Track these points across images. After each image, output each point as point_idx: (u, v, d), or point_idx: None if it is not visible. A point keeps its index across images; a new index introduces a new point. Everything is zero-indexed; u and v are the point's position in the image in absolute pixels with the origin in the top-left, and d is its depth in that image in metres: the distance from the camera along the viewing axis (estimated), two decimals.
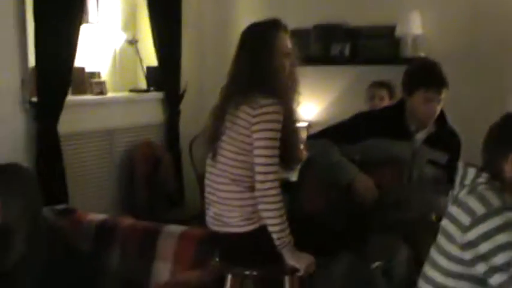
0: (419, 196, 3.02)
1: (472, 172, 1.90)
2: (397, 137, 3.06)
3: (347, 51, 4.79)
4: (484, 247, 1.72)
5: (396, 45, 4.64)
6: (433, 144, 3.08)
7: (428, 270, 1.95)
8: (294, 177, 3.48)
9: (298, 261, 2.59)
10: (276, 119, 2.54)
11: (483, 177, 1.87)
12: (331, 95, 4.99)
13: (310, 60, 4.82)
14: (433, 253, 1.93)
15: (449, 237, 1.84)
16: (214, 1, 5.48)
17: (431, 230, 2.94)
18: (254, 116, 2.54)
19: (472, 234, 1.75)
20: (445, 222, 1.90)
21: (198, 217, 4.58)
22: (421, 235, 2.96)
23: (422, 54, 4.52)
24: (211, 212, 2.74)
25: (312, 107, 4.95)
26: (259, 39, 2.67)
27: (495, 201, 1.77)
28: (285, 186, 2.70)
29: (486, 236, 1.72)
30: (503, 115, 1.99)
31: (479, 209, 1.76)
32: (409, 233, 2.98)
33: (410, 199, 3.03)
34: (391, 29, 4.59)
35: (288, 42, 2.72)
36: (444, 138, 3.12)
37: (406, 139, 3.07)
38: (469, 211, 1.78)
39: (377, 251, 2.79)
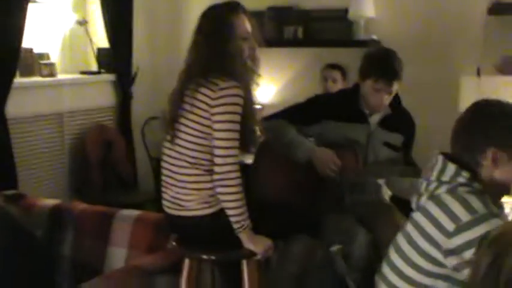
0: (374, 179, 3.04)
1: (451, 169, 1.81)
2: (352, 119, 3.08)
3: (300, 34, 4.79)
4: (469, 253, 1.65)
5: (349, 28, 4.66)
6: (388, 127, 3.11)
7: (395, 258, 1.89)
8: (249, 159, 3.48)
9: (256, 245, 2.59)
10: (236, 101, 2.52)
11: (463, 177, 1.79)
12: (285, 77, 4.99)
13: (264, 42, 4.82)
14: (402, 243, 1.87)
15: (427, 236, 1.77)
16: None
17: (387, 212, 3.02)
18: (214, 99, 2.52)
19: (456, 241, 1.69)
20: (419, 218, 1.82)
21: (152, 201, 4.56)
22: (377, 217, 3.00)
23: (374, 37, 4.56)
24: (168, 195, 2.71)
25: (266, 89, 4.94)
26: (217, 22, 2.64)
27: (479, 207, 1.71)
28: (241, 169, 2.69)
29: (471, 244, 1.65)
30: (474, 104, 1.89)
31: (463, 215, 1.70)
32: (365, 215, 3.01)
33: (366, 181, 3.06)
34: (344, 12, 4.61)
35: (247, 25, 2.70)
36: (399, 120, 3.15)
37: (361, 122, 3.09)
38: (452, 216, 1.72)
39: (334, 233, 2.80)
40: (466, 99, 4.16)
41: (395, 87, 3.01)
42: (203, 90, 2.56)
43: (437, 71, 4.50)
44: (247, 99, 2.60)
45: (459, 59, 4.41)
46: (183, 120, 2.62)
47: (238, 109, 2.53)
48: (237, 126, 2.54)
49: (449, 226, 1.72)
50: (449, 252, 1.72)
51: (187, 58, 2.70)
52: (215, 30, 2.63)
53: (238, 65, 2.62)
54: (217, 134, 2.53)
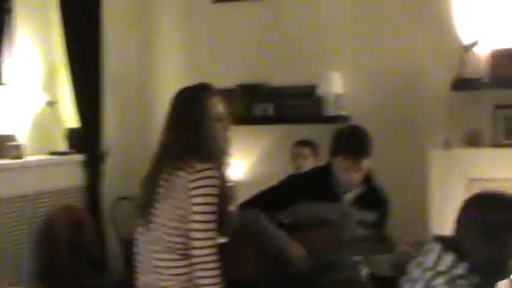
0: (349, 257, 3.03)
1: (448, 259, 1.79)
2: (326, 199, 3.07)
3: (270, 111, 4.84)
4: None
5: (318, 104, 4.73)
6: (362, 205, 3.10)
7: None
8: (222, 239, 3.44)
9: None
10: (212, 183, 2.51)
11: (461, 269, 1.77)
12: (256, 154, 5.01)
13: (234, 119, 4.86)
14: None
15: None
16: (136, 62, 5.44)
17: None
18: (191, 181, 2.51)
19: None
20: None
21: (123, 283, 4.45)
22: None
23: (344, 113, 4.63)
24: (141, 282, 2.65)
25: (236, 166, 4.94)
26: (192, 104, 2.66)
27: None
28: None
29: None
30: (482, 199, 1.88)
31: None
32: None
33: (341, 261, 3.04)
34: (313, 88, 4.69)
35: (220, 106, 2.72)
36: (372, 198, 3.14)
37: (335, 201, 3.09)
38: None
39: None
40: (435, 172, 4.23)
41: (365, 164, 3.01)
42: (180, 173, 2.55)
43: (405, 144, 4.58)
44: (223, 181, 2.60)
45: (426, 133, 4.50)
46: (158, 205, 2.59)
47: (215, 191, 2.52)
48: (214, 208, 2.52)
49: None
50: None
51: (161, 141, 2.70)
52: (190, 113, 2.64)
53: (214, 145, 2.63)
54: (195, 217, 2.50)
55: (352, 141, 3.01)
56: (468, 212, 1.86)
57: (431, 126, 4.49)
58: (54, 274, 4.51)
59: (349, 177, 3.02)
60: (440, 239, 1.86)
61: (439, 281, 1.77)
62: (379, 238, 3.14)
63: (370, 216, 3.12)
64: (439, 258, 1.80)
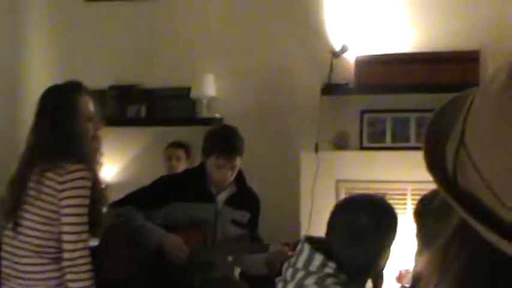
0: (223, 257, 3.06)
1: (318, 259, 1.84)
2: (200, 199, 3.10)
3: (143, 113, 4.79)
4: None
5: (192, 107, 4.74)
6: (235, 205, 3.16)
7: None
8: (94, 242, 3.37)
9: None
10: (84, 185, 2.47)
11: (330, 268, 1.82)
12: (129, 156, 4.94)
13: (107, 121, 4.76)
14: None
15: None
16: (4, 59, 5.19)
17: None
18: (61, 183, 2.45)
19: None
20: None
21: None
22: None
23: (217, 115, 4.67)
24: (8, 287, 2.54)
25: (109, 168, 4.84)
26: (61, 103, 2.60)
27: None
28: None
29: None
30: (351, 202, 1.98)
31: None
32: None
33: (214, 260, 3.07)
34: (187, 91, 4.70)
35: (90, 106, 2.67)
36: (244, 198, 3.22)
37: (208, 201, 3.11)
38: None
39: None
40: (306, 174, 4.36)
41: (238, 162, 3.08)
42: (49, 174, 2.47)
43: (278, 147, 4.67)
44: (95, 181, 2.55)
45: (298, 136, 4.61)
46: (27, 207, 2.51)
47: (87, 192, 2.48)
48: (86, 210, 2.48)
49: None
50: None
51: (28, 141, 2.61)
52: (59, 111, 2.58)
53: (85, 146, 2.57)
54: (65, 219, 2.44)
55: (225, 140, 3.08)
56: (336, 215, 1.94)
57: (302, 129, 4.61)
58: None
59: (223, 175, 3.07)
60: (311, 240, 1.93)
61: (310, 280, 1.82)
62: (251, 238, 3.21)
63: (243, 215, 3.19)
64: (309, 259, 1.86)
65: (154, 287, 2.94)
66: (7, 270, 2.56)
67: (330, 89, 4.41)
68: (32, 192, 2.51)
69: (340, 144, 4.49)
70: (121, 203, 3.16)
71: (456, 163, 0.77)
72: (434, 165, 0.91)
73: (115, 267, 3.06)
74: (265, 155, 4.65)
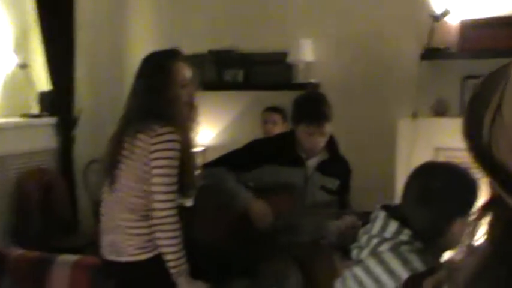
0: (310, 221, 3.09)
1: (393, 226, 1.83)
2: (290, 163, 3.13)
3: (240, 77, 4.87)
4: None
5: (288, 72, 4.77)
6: (325, 171, 3.16)
7: None
8: (189, 203, 3.50)
9: None
10: (173, 147, 2.56)
11: (405, 235, 1.81)
12: (226, 120, 5.06)
13: (205, 85, 4.89)
14: None
15: None
16: (109, 26, 5.43)
17: (322, 254, 3.07)
18: (152, 144, 2.56)
19: None
20: (360, 274, 1.84)
21: (93, 244, 4.51)
22: (313, 258, 3.05)
23: (313, 80, 4.67)
24: (105, 240, 2.71)
25: (207, 132, 4.99)
26: (157, 68, 2.70)
27: (420, 266, 1.73)
28: (180, 212, 2.71)
29: None
30: (428, 167, 1.92)
31: (404, 274, 1.72)
32: (300, 257, 3.06)
33: (302, 224, 3.10)
34: (283, 55, 4.72)
35: (186, 72, 2.75)
36: (335, 165, 3.20)
37: (298, 166, 3.15)
38: (393, 275, 1.74)
39: (270, 275, 2.84)
40: (403, 141, 4.30)
41: (327, 128, 3.07)
42: (141, 136, 2.59)
43: (375, 113, 4.62)
44: (185, 144, 2.64)
45: (396, 102, 4.55)
46: (122, 166, 2.65)
47: (176, 154, 2.57)
48: (175, 171, 2.57)
49: (390, 285, 1.74)
50: None
51: (126, 103, 2.74)
52: (154, 76, 2.68)
53: (176, 111, 2.66)
54: (155, 179, 2.56)
55: (313, 108, 3.07)
56: (410, 179, 1.92)
57: (400, 95, 4.53)
58: (25, 234, 4.56)
59: (313, 142, 3.07)
60: (387, 208, 1.92)
61: (385, 247, 1.82)
62: (341, 205, 3.21)
63: (332, 182, 3.19)
64: (384, 225, 1.85)
65: (241, 249, 3.02)
66: (105, 224, 2.73)
67: (430, 54, 4.30)
68: (126, 153, 2.64)
69: (440, 111, 4.38)
70: (214, 164, 3.26)
71: (492, 132, 0.78)
72: (471, 134, 0.91)
73: (204, 228, 3.17)
74: (361, 122, 4.62)
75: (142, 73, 2.74)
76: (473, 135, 0.83)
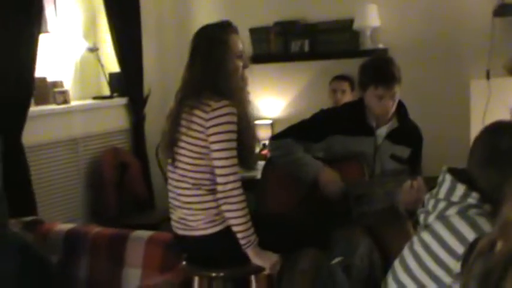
0: (381, 189, 3.05)
1: (460, 189, 1.79)
2: (359, 133, 3.09)
3: (306, 47, 4.82)
4: None
5: (355, 38, 4.69)
6: (395, 140, 3.10)
7: (402, 277, 1.88)
8: (259, 175, 3.51)
9: (263, 260, 2.63)
10: (229, 120, 2.56)
11: (473, 198, 1.76)
12: (294, 91, 5.02)
13: (271, 57, 4.88)
14: (409, 261, 1.86)
15: (436, 259, 1.75)
16: (174, 4, 5.48)
17: (396, 221, 3.02)
18: (208, 120, 2.57)
19: None
20: (427, 238, 1.81)
21: (169, 220, 4.61)
22: (386, 226, 3.01)
23: (381, 46, 4.58)
24: (175, 216, 2.76)
25: (275, 104, 4.98)
26: (211, 41, 2.69)
27: (488, 229, 1.67)
28: (250, 184, 2.73)
29: None
30: (496, 126, 1.83)
31: (473, 237, 1.68)
32: (374, 225, 3.02)
33: (372, 193, 3.06)
34: (349, 22, 4.64)
35: (240, 44, 2.74)
36: (406, 133, 3.13)
37: (367, 135, 3.10)
38: (462, 238, 1.70)
39: (341, 245, 2.81)
40: (477, 103, 4.16)
41: (397, 90, 3.01)
42: (196, 112, 2.61)
43: (446, 76, 4.50)
44: (242, 117, 2.64)
45: (467, 63, 4.41)
46: (180, 143, 2.67)
47: (233, 127, 2.57)
48: (234, 144, 2.58)
49: (459, 249, 1.70)
50: (460, 275, 1.68)
51: (183, 77, 2.75)
52: (211, 47, 2.68)
53: (233, 83, 2.66)
54: (215, 154, 2.57)
55: (381, 70, 3.02)
56: (479, 140, 1.85)
57: (472, 54, 4.39)
58: (103, 213, 4.70)
59: (383, 106, 3.02)
60: (453, 171, 1.86)
61: (452, 210, 1.78)
62: (413, 173, 3.13)
63: (403, 151, 3.12)
64: (451, 189, 1.81)
65: (312, 219, 3.01)
66: (172, 201, 2.76)
67: (504, 9, 4.13)
68: (183, 129, 2.66)
69: None
70: (282, 135, 3.25)
71: None
72: None
73: (274, 199, 3.18)
74: (432, 85, 4.50)
75: (197, 46, 2.73)
76: None
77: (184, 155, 2.65)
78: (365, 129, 3.11)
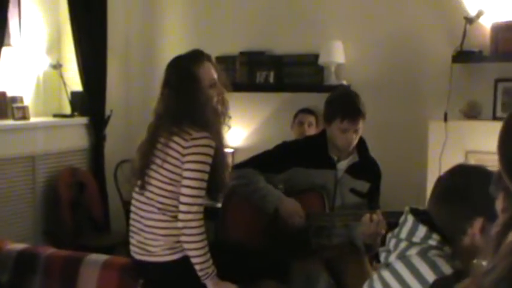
0: (339, 223, 3.08)
1: (422, 230, 1.81)
2: (321, 166, 3.12)
3: (272, 78, 4.87)
4: None
5: (320, 73, 4.75)
6: (355, 174, 3.14)
7: None
8: (218, 204, 3.51)
9: None
10: (206, 152, 2.58)
11: (434, 240, 1.79)
12: (257, 121, 5.05)
13: (236, 86, 4.89)
14: None
15: None
16: (141, 26, 5.48)
17: (355, 255, 3.06)
18: (186, 148, 2.58)
19: None
20: (388, 277, 1.83)
21: (124, 243, 4.55)
22: (344, 260, 3.04)
23: (344, 82, 4.65)
24: (135, 240, 2.74)
25: (238, 133, 5.00)
26: (184, 73, 2.70)
27: (448, 270, 1.71)
28: (210, 213, 2.73)
29: None
30: (456, 168, 1.90)
31: (432, 278, 1.70)
32: (332, 259, 3.05)
33: (331, 226, 3.09)
34: (315, 57, 4.70)
35: (212, 72, 2.76)
36: (365, 168, 3.18)
37: (329, 168, 3.13)
38: (421, 279, 1.73)
39: (300, 279, 2.83)
40: (435, 143, 4.26)
41: (361, 125, 3.06)
42: (176, 138, 2.62)
43: (405, 115, 4.58)
44: (218, 149, 2.66)
45: (427, 104, 4.49)
46: (154, 167, 2.67)
47: (209, 159, 2.59)
48: (206, 176, 2.59)
49: None
50: None
51: (156, 109, 2.75)
52: (182, 81, 2.69)
53: (209, 112, 2.67)
54: (185, 182, 2.57)
55: (347, 104, 3.05)
56: (438, 182, 1.90)
57: (431, 97, 4.48)
58: (57, 233, 4.62)
59: (347, 139, 3.05)
60: (415, 211, 1.91)
61: (413, 251, 1.80)
62: (371, 207, 3.17)
63: (362, 185, 3.17)
64: (413, 230, 1.84)
65: (271, 250, 3.02)
66: (135, 224, 2.74)
67: (462, 56, 4.24)
68: (160, 154, 2.66)
69: (471, 113, 4.32)
70: (244, 165, 3.26)
71: None
72: (505, 144, 0.91)
73: (234, 229, 3.18)
74: (392, 123, 4.58)
75: (169, 79, 2.74)
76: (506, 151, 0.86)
77: (156, 179, 2.66)
78: (326, 162, 3.14)
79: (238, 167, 3.27)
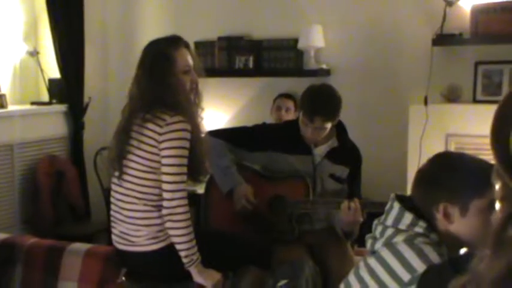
0: (322, 209, 3.07)
1: (408, 218, 1.81)
2: (297, 151, 3.10)
3: (251, 63, 4.84)
4: None
5: (299, 58, 4.73)
6: (334, 159, 3.12)
7: None
8: (201, 189, 3.49)
9: (205, 278, 2.61)
10: (183, 136, 2.55)
11: (420, 227, 1.79)
12: (236, 106, 5.03)
13: (215, 72, 4.88)
14: (355, 285, 1.87)
15: (381, 284, 1.78)
16: (118, 13, 5.41)
17: (337, 241, 3.06)
18: (161, 134, 2.55)
19: None
20: (374, 264, 1.83)
21: (105, 231, 4.53)
22: (327, 246, 3.04)
23: (324, 67, 4.64)
24: (116, 230, 2.72)
25: (217, 118, 4.97)
26: (158, 57, 2.67)
27: (435, 258, 1.71)
28: (191, 199, 2.71)
29: None
30: (436, 156, 1.91)
31: (419, 265, 1.70)
32: (315, 245, 3.05)
33: (312, 212, 3.09)
34: (294, 42, 4.69)
35: (188, 58, 2.72)
36: (345, 153, 3.15)
37: (304, 153, 3.12)
38: (408, 266, 1.73)
39: (284, 266, 2.82)
40: (415, 127, 4.27)
41: (320, 124, 2.99)
42: (150, 125, 2.58)
43: (385, 99, 4.58)
44: (194, 132, 2.63)
45: (407, 88, 4.50)
46: (130, 156, 2.63)
47: (186, 143, 2.56)
48: (185, 161, 2.56)
49: (405, 276, 1.72)
50: None
51: (130, 93, 2.72)
52: (155, 64, 2.66)
53: (181, 98, 2.64)
54: (165, 169, 2.55)
55: (314, 101, 3.00)
56: (426, 171, 1.91)
57: (412, 80, 4.49)
58: (37, 222, 4.58)
59: (307, 132, 3.04)
60: (401, 198, 1.91)
61: (399, 238, 1.80)
62: (351, 193, 3.16)
63: (342, 171, 3.14)
64: (399, 217, 1.83)
65: (255, 237, 3.01)
66: (115, 214, 2.71)
67: (442, 39, 4.25)
68: (134, 143, 2.62)
69: (452, 97, 4.34)
70: (218, 134, 3.21)
71: None
72: (498, 143, 0.91)
73: (216, 215, 3.17)
74: (372, 107, 4.59)
75: (144, 62, 2.71)
76: (499, 145, 0.86)
77: (134, 168, 2.62)
78: (303, 147, 3.12)
79: (212, 134, 3.16)
